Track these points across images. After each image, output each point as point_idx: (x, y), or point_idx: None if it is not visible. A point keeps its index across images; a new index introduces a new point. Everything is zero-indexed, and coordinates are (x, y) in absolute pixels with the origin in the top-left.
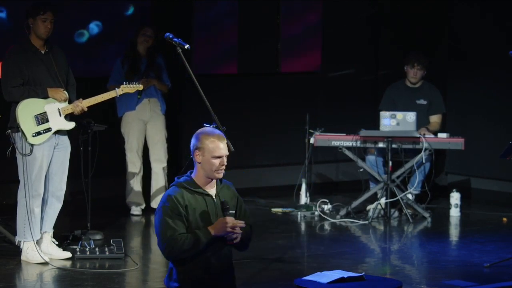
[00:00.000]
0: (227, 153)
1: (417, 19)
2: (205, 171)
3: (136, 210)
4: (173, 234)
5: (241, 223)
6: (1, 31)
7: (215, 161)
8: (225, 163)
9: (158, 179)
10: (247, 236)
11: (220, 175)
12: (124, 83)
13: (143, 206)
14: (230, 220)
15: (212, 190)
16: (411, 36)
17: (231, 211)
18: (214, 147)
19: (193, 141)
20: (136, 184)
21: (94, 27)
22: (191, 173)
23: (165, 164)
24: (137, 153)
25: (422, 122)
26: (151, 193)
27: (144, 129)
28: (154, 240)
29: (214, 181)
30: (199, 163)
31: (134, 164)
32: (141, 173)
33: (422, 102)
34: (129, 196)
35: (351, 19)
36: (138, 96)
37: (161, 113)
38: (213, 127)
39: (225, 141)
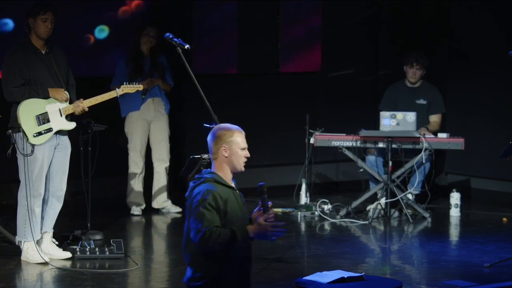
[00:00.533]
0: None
1: (417, 19)
2: (232, 165)
3: (136, 210)
4: (209, 226)
5: (280, 223)
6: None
7: (242, 153)
8: (248, 155)
9: (160, 179)
10: None
11: (242, 168)
12: (124, 83)
13: (143, 207)
14: (269, 223)
15: (232, 184)
16: (411, 36)
17: (268, 201)
18: (240, 139)
19: (215, 138)
20: (137, 184)
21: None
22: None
23: (167, 164)
24: (140, 153)
25: (422, 121)
26: (153, 193)
27: (148, 129)
28: (154, 240)
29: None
30: (226, 157)
31: (136, 164)
32: (143, 174)
33: (422, 102)
34: (129, 196)
35: (351, 19)
36: (143, 96)
37: (165, 113)
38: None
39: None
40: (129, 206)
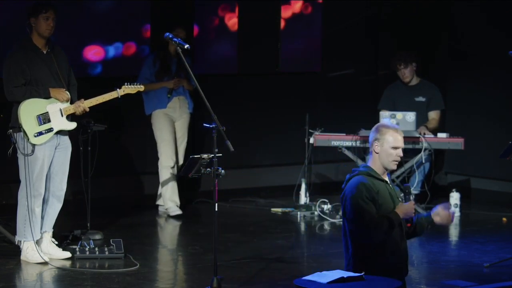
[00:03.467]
0: (403, 146)
1: (417, 19)
2: (382, 161)
3: (176, 210)
4: (372, 217)
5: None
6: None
7: (393, 152)
8: (401, 155)
9: (172, 175)
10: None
11: (395, 166)
12: (126, 83)
13: (179, 204)
14: (412, 204)
15: (386, 178)
16: (411, 36)
17: (408, 197)
18: (393, 139)
19: (372, 133)
20: (172, 181)
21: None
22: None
23: (181, 162)
24: (172, 147)
25: (421, 119)
26: (159, 192)
27: (173, 126)
28: (154, 239)
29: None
30: (377, 153)
31: (170, 158)
32: (175, 169)
33: (421, 99)
34: (165, 194)
35: (351, 19)
36: (168, 95)
37: (188, 112)
38: (213, 127)
39: (402, 134)
40: (165, 205)
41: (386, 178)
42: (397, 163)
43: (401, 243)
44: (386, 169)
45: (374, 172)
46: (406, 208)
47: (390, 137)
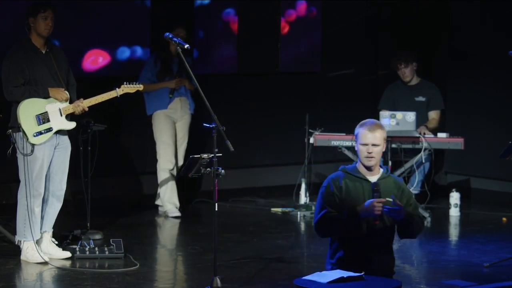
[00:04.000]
0: (376, 142)
1: (417, 19)
2: (360, 158)
3: (175, 212)
4: (318, 212)
5: (384, 200)
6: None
7: (362, 148)
8: (372, 152)
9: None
10: (411, 223)
11: (369, 163)
12: (125, 83)
13: (178, 206)
14: (377, 201)
15: (373, 178)
16: (411, 36)
17: (376, 194)
18: (362, 135)
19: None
20: (171, 183)
21: None
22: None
23: (181, 162)
24: (172, 149)
25: (421, 119)
26: (158, 191)
27: (174, 127)
28: (154, 239)
29: (378, 170)
30: (356, 150)
31: (169, 160)
32: (175, 171)
33: (421, 99)
34: (164, 196)
35: (351, 19)
36: (170, 95)
37: (190, 112)
38: (213, 127)
39: (378, 131)
40: (164, 207)
41: (373, 177)
42: (370, 160)
43: (366, 238)
44: (366, 166)
45: (354, 170)
46: (366, 206)
47: (361, 133)
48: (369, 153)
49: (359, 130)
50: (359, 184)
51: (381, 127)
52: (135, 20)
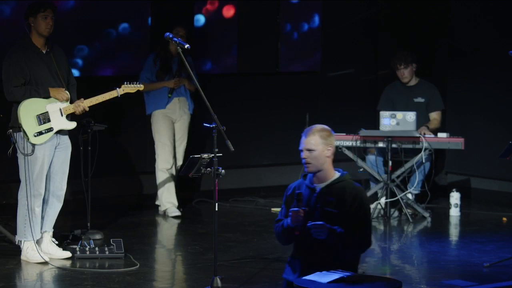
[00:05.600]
0: (309, 147)
1: (416, 19)
2: None
3: (174, 211)
4: (276, 219)
5: (300, 210)
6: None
7: (301, 155)
8: (307, 157)
9: (169, 177)
10: (342, 242)
11: (307, 169)
12: (125, 82)
13: (177, 205)
14: (295, 212)
15: (320, 185)
16: (411, 36)
17: (299, 203)
18: (301, 141)
19: None
20: (169, 183)
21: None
22: None
23: (181, 162)
24: (170, 150)
25: (420, 120)
26: (158, 192)
27: (173, 127)
28: (154, 239)
29: (329, 176)
30: None
31: (167, 161)
32: (173, 170)
33: (420, 100)
34: (163, 196)
35: (351, 19)
36: (169, 95)
37: (189, 112)
38: (213, 126)
39: (312, 136)
40: (163, 207)
41: (320, 184)
42: (307, 166)
43: (308, 249)
44: (313, 173)
45: (311, 178)
46: (291, 216)
47: (301, 139)
48: (304, 158)
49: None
50: (307, 192)
51: (319, 131)
52: (135, 20)
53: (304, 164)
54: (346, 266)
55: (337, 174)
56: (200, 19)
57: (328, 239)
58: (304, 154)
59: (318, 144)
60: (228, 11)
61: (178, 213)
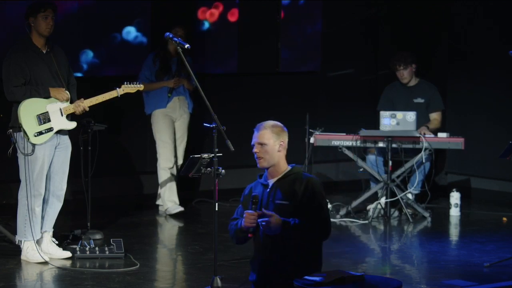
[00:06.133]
0: (261, 141)
1: (416, 19)
2: None
3: (176, 208)
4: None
5: (257, 213)
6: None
7: (253, 149)
8: (259, 151)
9: (170, 176)
10: (300, 232)
11: (259, 164)
12: (125, 82)
13: (178, 204)
14: (249, 214)
15: (272, 180)
16: (411, 36)
17: (253, 206)
18: (253, 136)
19: None
20: (171, 181)
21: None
22: None
23: (181, 162)
24: (171, 148)
25: (420, 120)
26: (159, 191)
27: (173, 126)
28: (154, 239)
29: (281, 170)
30: None
31: (169, 159)
32: (175, 169)
33: (420, 100)
34: (164, 194)
35: (351, 19)
36: (169, 95)
37: (188, 111)
38: (213, 126)
39: (264, 130)
40: (165, 205)
41: (272, 180)
42: (259, 160)
43: (264, 249)
44: (265, 168)
45: (261, 175)
46: (244, 217)
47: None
48: (255, 152)
49: None
50: (261, 190)
51: (271, 127)
52: (135, 20)
53: (256, 159)
54: (306, 262)
55: (288, 168)
56: (203, 23)
57: (284, 232)
58: (255, 148)
59: (270, 139)
60: (232, 16)
61: (180, 208)
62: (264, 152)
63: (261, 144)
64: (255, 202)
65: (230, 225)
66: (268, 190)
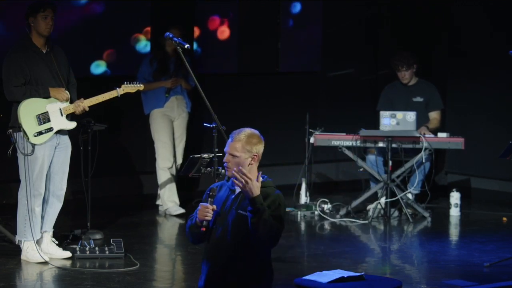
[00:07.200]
0: (231, 153)
1: (416, 19)
2: None
3: (177, 209)
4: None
5: (211, 206)
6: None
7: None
8: (229, 161)
9: (170, 176)
10: (260, 218)
11: (227, 172)
12: (125, 82)
13: (178, 204)
14: (204, 206)
15: (239, 188)
16: (411, 36)
17: (210, 200)
18: (226, 143)
19: None
20: (171, 181)
21: None
22: None
23: (180, 161)
24: (169, 148)
25: (419, 119)
26: (159, 191)
27: (172, 126)
28: (154, 239)
29: None
30: None
31: (168, 159)
32: (174, 169)
33: (419, 99)
34: (164, 195)
35: (351, 19)
36: (166, 95)
37: (186, 111)
38: (213, 126)
39: (237, 143)
40: (165, 206)
41: (235, 186)
42: (228, 169)
43: (213, 249)
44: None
45: (231, 180)
46: (198, 210)
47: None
48: (225, 162)
49: None
50: (227, 193)
51: (247, 137)
52: (135, 20)
53: (225, 168)
54: (253, 267)
55: (260, 180)
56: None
57: (252, 211)
58: (226, 158)
59: (241, 152)
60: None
61: (181, 210)
62: (235, 163)
63: (232, 155)
64: (212, 195)
65: (187, 223)
66: (233, 196)
